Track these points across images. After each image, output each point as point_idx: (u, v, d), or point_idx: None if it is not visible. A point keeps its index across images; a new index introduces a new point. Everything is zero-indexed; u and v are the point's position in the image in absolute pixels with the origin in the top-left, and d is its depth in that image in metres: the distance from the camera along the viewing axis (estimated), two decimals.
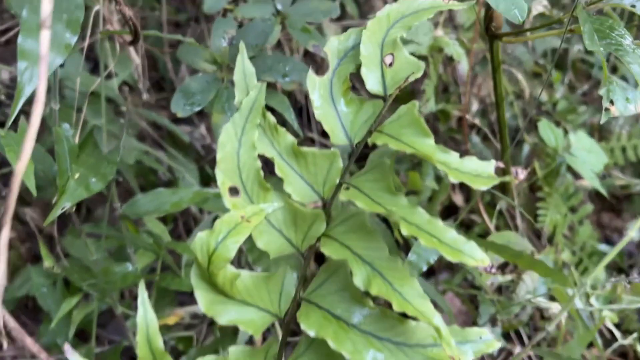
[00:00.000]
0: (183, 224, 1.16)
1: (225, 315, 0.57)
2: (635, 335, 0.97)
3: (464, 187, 1.24)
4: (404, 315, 0.55)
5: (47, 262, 0.74)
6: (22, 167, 0.39)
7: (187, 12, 1.39)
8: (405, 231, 0.52)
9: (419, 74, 0.59)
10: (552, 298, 0.98)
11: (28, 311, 1.10)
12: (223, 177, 0.57)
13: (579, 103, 1.39)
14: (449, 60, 1.24)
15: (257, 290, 0.59)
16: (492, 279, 1.04)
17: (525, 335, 1.13)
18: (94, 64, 1.28)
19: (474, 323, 1.11)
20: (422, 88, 1.11)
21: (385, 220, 0.98)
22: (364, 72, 0.60)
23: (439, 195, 1.19)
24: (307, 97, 1.23)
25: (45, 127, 1.07)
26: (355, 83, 0.98)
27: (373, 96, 0.62)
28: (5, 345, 0.65)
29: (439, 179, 1.16)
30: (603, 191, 1.15)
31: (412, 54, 1.11)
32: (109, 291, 0.84)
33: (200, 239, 0.54)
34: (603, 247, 1.24)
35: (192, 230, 1.12)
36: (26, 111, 0.58)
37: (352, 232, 0.59)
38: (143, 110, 1.15)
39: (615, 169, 1.35)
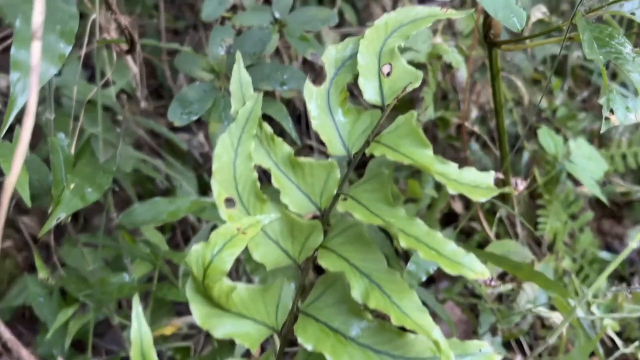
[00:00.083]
0: (181, 232, 1.16)
1: (221, 328, 0.56)
2: (637, 343, 0.96)
3: (463, 195, 1.23)
4: (403, 328, 0.54)
5: (42, 273, 0.74)
6: (12, 180, 0.38)
7: (186, 20, 1.39)
8: (403, 243, 0.52)
9: (417, 84, 0.58)
10: (553, 307, 0.97)
11: (25, 321, 1.10)
12: (219, 188, 0.57)
13: (579, 110, 1.39)
14: (448, 68, 1.23)
15: (253, 303, 0.58)
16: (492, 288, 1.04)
17: (526, 344, 1.12)
18: (91, 72, 1.27)
19: (474, 332, 1.10)
20: (421, 96, 1.11)
21: (383, 229, 0.97)
22: (361, 81, 0.59)
23: (439, 203, 1.18)
24: (305, 104, 1.22)
25: (42, 135, 1.07)
26: (354, 90, 0.98)
27: (371, 105, 0.61)
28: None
29: (438, 186, 1.15)
30: (603, 198, 1.14)
31: (411, 61, 1.11)
32: (105, 302, 0.83)
33: (196, 251, 0.53)
34: (604, 254, 1.23)
35: (190, 239, 1.11)
36: (23, 120, 0.57)
37: (350, 243, 0.58)
38: (141, 118, 1.15)
39: (616, 176, 1.34)
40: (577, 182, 1.22)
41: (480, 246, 1.20)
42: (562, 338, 0.93)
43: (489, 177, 0.54)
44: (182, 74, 1.25)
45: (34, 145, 1.18)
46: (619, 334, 1.09)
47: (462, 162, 1.25)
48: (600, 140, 1.35)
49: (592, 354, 0.99)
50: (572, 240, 1.24)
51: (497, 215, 1.15)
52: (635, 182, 1.36)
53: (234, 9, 1.05)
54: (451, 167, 0.54)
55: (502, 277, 1.10)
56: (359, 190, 0.59)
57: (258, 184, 0.58)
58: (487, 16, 0.81)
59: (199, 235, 0.95)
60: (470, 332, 1.14)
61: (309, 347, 0.54)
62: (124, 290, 0.82)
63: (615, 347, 1.06)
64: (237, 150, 0.57)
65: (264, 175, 0.65)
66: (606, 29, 0.64)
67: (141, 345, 0.55)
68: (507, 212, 1.16)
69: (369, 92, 0.59)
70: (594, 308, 1.06)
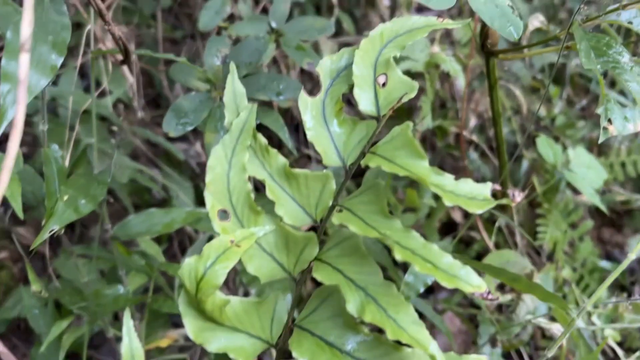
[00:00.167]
0: (178, 243, 1.15)
1: (215, 342, 0.56)
2: (638, 353, 0.95)
3: None
4: (399, 342, 0.53)
5: (35, 285, 0.73)
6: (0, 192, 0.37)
7: (184, 30, 1.39)
8: (399, 256, 0.51)
9: (413, 94, 0.58)
10: (553, 318, 0.96)
11: (20, 333, 1.09)
12: (212, 200, 0.56)
13: (578, 118, 1.38)
14: (447, 76, 1.23)
15: (247, 317, 0.57)
16: (492, 299, 1.02)
17: (526, 355, 1.11)
18: (89, 82, 1.27)
19: (474, 343, 1.09)
20: (418, 105, 1.10)
21: None
22: (356, 92, 0.58)
23: (437, 212, 1.17)
24: None
25: (38, 146, 1.06)
26: (352, 99, 0.97)
27: (367, 116, 0.61)
28: None
29: (437, 196, 1.14)
30: (603, 207, 1.13)
31: (409, 70, 1.11)
32: (100, 314, 0.82)
33: (188, 264, 0.52)
34: (604, 263, 1.22)
35: (187, 250, 1.10)
36: (10, 132, 0.57)
37: (346, 255, 0.57)
38: (138, 127, 1.15)
39: (615, 185, 1.33)
40: (576, 191, 1.21)
41: (479, 255, 1.20)
42: (562, 349, 0.92)
43: (486, 188, 0.53)
44: (179, 84, 1.25)
45: (29, 156, 1.18)
46: (620, 344, 1.08)
47: (461, 171, 1.24)
48: (599, 148, 1.35)
49: None
50: (572, 249, 1.23)
51: (496, 224, 1.14)
52: (635, 191, 1.36)
53: (231, 18, 1.05)
54: (447, 179, 0.53)
55: (502, 287, 1.09)
56: (354, 202, 0.58)
57: (252, 195, 0.58)
58: (484, 25, 0.81)
59: (195, 247, 0.94)
60: (470, 343, 1.13)
61: None
62: (118, 302, 0.81)
63: (617, 358, 1.05)
64: (231, 161, 0.57)
65: (262, 186, 0.64)
66: (603, 38, 0.64)
67: None
68: (507, 221, 1.15)
69: (365, 102, 0.59)
70: (594, 318, 1.06)
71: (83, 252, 0.93)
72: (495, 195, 0.55)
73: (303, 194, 0.59)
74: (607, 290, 1.20)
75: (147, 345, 0.90)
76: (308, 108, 0.59)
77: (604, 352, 1.08)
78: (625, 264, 0.57)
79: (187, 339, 0.97)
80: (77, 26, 1.16)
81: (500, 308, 1.09)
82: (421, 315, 0.99)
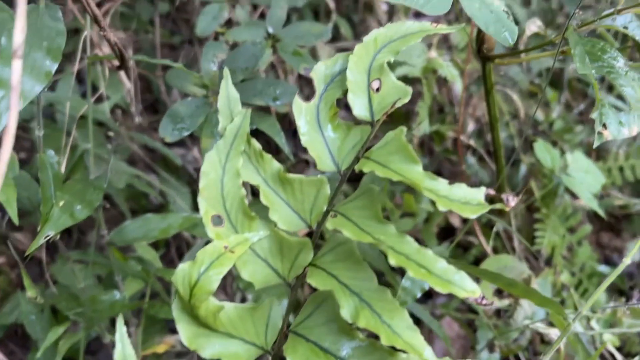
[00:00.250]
0: (176, 248, 1.15)
1: (209, 348, 0.55)
2: (637, 358, 0.95)
3: None
4: (394, 348, 0.53)
5: (30, 291, 0.73)
6: None
7: (182, 35, 1.39)
8: (393, 261, 0.51)
9: (406, 100, 0.57)
10: (551, 323, 0.96)
11: (17, 338, 1.08)
12: (206, 205, 0.56)
13: (576, 122, 1.38)
14: (445, 81, 1.23)
15: (242, 322, 0.57)
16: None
17: None
18: (86, 87, 1.27)
19: (472, 348, 1.09)
20: (416, 110, 1.10)
21: None
22: (350, 97, 0.58)
23: (435, 217, 1.17)
24: None
25: (35, 151, 1.06)
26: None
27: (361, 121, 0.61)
28: None
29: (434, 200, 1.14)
30: (601, 212, 1.13)
31: (406, 75, 1.11)
32: (96, 320, 0.82)
33: (182, 270, 0.52)
34: (603, 268, 1.22)
35: (184, 255, 1.10)
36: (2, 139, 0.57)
37: (340, 261, 0.57)
38: (135, 133, 1.15)
39: (614, 189, 1.33)
40: (574, 195, 1.21)
41: (477, 260, 1.19)
42: (560, 354, 0.92)
43: (480, 193, 0.53)
44: (177, 89, 1.25)
45: (28, 161, 1.18)
46: (619, 349, 1.07)
47: (459, 176, 1.24)
48: (597, 153, 1.35)
49: None
50: (570, 254, 1.23)
51: (494, 229, 1.14)
52: (633, 195, 1.35)
53: (229, 24, 1.05)
54: (441, 184, 0.53)
55: (500, 292, 1.08)
56: (349, 207, 0.58)
57: (246, 201, 0.58)
58: (480, 30, 0.81)
59: (191, 253, 0.94)
60: (469, 348, 1.13)
61: None
62: (115, 308, 0.81)
63: None
64: (225, 167, 0.57)
65: (258, 192, 0.64)
66: (598, 43, 0.64)
67: None
68: (505, 226, 1.15)
69: (358, 107, 0.59)
70: (593, 323, 1.05)
71: (79, 258, 0.93)
72: (492, 199, 0.55)
73: (297, 199, 0.59)
74: (606, 295, 1.20)
75: (144, 351, 0.90)
76: (302, 113, 0.59)
77: (603, 358, 1.08)
78: (620, 268, 0.57)
79: (184, 344, 0.96)
80: (75, 32, 1.16)
81: (498, 313, 1.08)
82: (419, 321, 0.99)
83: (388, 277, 1.03)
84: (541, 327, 0.93)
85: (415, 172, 0.54)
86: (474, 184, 0.55)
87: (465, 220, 1.23)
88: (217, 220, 0.56)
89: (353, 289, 0.54)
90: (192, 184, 1.18)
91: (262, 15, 1.21)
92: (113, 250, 0.85)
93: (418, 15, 1.46)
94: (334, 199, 0.59)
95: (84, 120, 0.96)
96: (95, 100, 1.11)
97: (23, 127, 1.15)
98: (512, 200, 0.52)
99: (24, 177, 0.79)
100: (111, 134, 0.81)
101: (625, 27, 0.68)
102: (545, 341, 1.13)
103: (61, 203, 0.68)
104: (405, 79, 1.12)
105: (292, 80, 1.29)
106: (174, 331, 0.98)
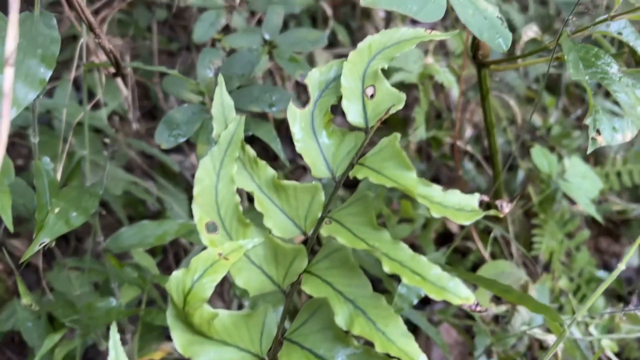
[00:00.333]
0: (173, 255, 1.15)
1: (204, 356, 0.55)
2: None
3: None
4: (389, 355, 0.53)
5: (25, 299, 0.72)
6: None
7: (180, 42, 1.39)
8: (387, 268, 0.51)
9: (400, 106, 0.58)
10: (549, 329, 0.95)
11: (14, 345, 1.08)
12: (200, 212, 0.56)
13: (573, 128, 1.39)
14: (441, 87, 1.23)
15: (236, 330, 0.57)
16: (488, 309, 1.02)
17: None
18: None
19: (470, 354, 1.09)
20: (412, 116, 1.10)
21: None
22: (345, 104, 0.59)
23: (433, 223, 1.17)
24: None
25: (32, 158, 1.06)
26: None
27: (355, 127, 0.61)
28: None
29: None
30: (598, 217, 1.13)
31: (403, 81, 1.11)
32: (92, 327, 0.82)
33: (176, 277, 0.52)
34: (601, 273, 1.22)
35: (182, 262, 1.10)
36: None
37: (335, 267, 0.57)
38: (132, 139, 1.15)
39: (612, 194, 1.33)
40: (572, 201, 1.21)
41: (475, 266, 1.19)
42: (557, 359, 0.91)
43: (474, 199, 0.53)
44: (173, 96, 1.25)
45: (26, 168, 1.18)
46: (618, 355, 1.07)
47: (456, 182, 1.24)
48: (595, 158, 1.35)
49: None
50: (568, 259, 1.23)
51: (492, 235, 1.14)
52: (631, 200, 1.35)
53: (226, 30, 1.06)
54: (435, 190, 0.53)
55: (498, 298, 1.08)
56: (343, 214, 0.58)
57: (240, 207, 0.57)
58: (475, 37, 0.81)
59: (188, 260, 0.94)
60: (467, 354, 1.12)
61: None
62: (111, 315, 0.81)
63: None
64: (219, 173, 0.57)
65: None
66: (592, 49, 0.64)
67: None
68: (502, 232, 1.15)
69: (353, 114, 0.59)
70: (591, 328, 1.05)
71: (76, 265, 0.93)
72: (488, 205, 0.55)
73: (292, 206, 0.59)
74: (605, 300, 1.20)
75: (140, 359, 0.89)
76: (297, 120, 0.59)
77: None
78: (615, 274, 0.57)
79: None
80: (73, 39, 1.17)
81: (496, 319, 1.08)
82: (416, 327, 0.98)
83: (386, 283, 1.03)
84: (539, 333, 0.93)
85: (409, 178, 0.54)
86: (471, 190, 0.55)
87: (463, 226, 1.23)
88: (212, 227, 0.56)
89: (348, 296, 0.54)
90: (189, 190, 1.18)
91: (260, 22, 1.21)
92: (109, 257, 0.84)
93: (415, 22, 1.47)
94: (329, 205, 0.59)
95: (81, 127, 0.97)
96: (92, 107, 1.11)
97: (20, 134, 1.15)
98: (506, 207, 0.52)
99: (20, 184, 0.79)
100: (107, 140, 0.81)
101: (620, 33, 0.68)
102: (543, 347, 1.12)
103: (56, 210, 0.68)
104: (401, 85, 1.12)
105: (290, 86, 1.29)
106: (170, 338, 0.97)
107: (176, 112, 0.80)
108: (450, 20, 1.34)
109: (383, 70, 0.60)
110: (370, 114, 0.58)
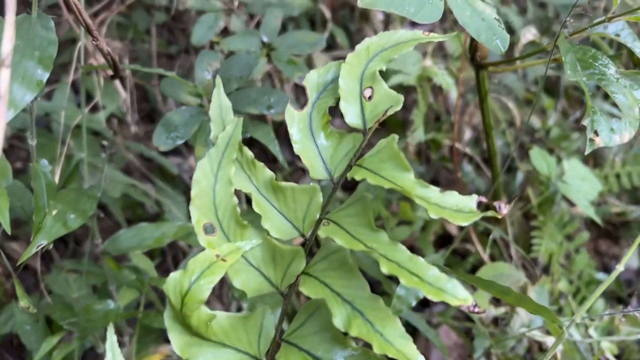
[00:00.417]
0: (172, 257, 1.15)
1: (201, 358, 0.55)
2: None
3: None
4: (387, 356, 0.53)
5: (22, 301, 0.72)
6: None
7: (178, 45, 1.40)
8: (385, 269, 0.50)
9: (398, 108, 0.58)
10: (548, 331, 0.95)
11: (12, 348, 1.08)
12: (198, 214, 0.56)
13: (572, 130, 1.39)
14: (440, 89, 1.23)
15: (234, 331, 0.57)
16: (487, 311, 1.02)
17: None
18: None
19: (470, 356, 1.09)
20: (411, 118, 1.10)
21: None
22: (343, 105, 0.59)
23: (432, 225, 1.17)
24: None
25: (30, 161, 1.06)
26: None
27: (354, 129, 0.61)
28: None
29: None
30: (597, 219, 1.13)
31: (401, 84, 1.11)
32: (90, 330, 0.82)
33: (173, 279, 0.52)
34: (601, 275, 1.22)
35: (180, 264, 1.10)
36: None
37: (333, 269, 0.57)
38: (131, 142, 1.15)
39: (611, 196, 1.33)
40: (572, 203, 1.21)
41: (474, 268, 1.19)
42: None
43: (472, 200, 0.53)
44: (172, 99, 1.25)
45: (24, 170, 1.18)
46: (617, 357, 1.07)
47: (455, 184, 1.24)
48: (594, 160, 1.35)
49: None
50: (568, 262, 1.23)
51: (491, 237, 1.14)
52: (630, 202, 1.35)
53: (225, 33, 1.06)
54: (432, 191, 0.53)
55: (497, 300, 1.08)
56: (341, 215, 0.58)
57: (238, 209, 0.57)
58: (473, 39, 0.81)
59: (186, 261, 0.93)
60: (466, 357, 1.12)
61: None
62: (109, 317, 0.81)
63: None
64: (217, 175, 0.57)
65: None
66: (589, 50, 0.64)
67: None
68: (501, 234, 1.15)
69: (351, 115, 0.59)
70: (591, 330, 1.05)
71: (74, 268, 0.92)
72: (487, 207, 0.55)
73: (290, 208, 0.59)
74: (604, 302, 1.19)
75: None
76: (295, 121, 0.59)
77: None
78: (613, 276, 0.57)
79: None
80: (72, 41, 1.17)
81: (495, 321, 1.08)
82: (415, 330, 0.98)
83: (384, 286, 1.03)
84: (538, 335, 0.93)
85: (406, 179, 0.54)
86: (470, 192, 0.55)
87: (462, 228, 1.23)
88: (209, 229, 0.56)
89: (345, 297, 0.54)
90: (187, 193, 1.17)
91: (259, 25, 1.21)
92: (107, 260, 0.84)
93: (414, 24, 1.47)
94: (327, 206, 0.59)
95: (79, 129, 0.97)
96: (91, 109, 1.11)
97: (18, 136, 1.15)
98: (504, 208, 0.52)
99: (18, 187, 0.79)
100: (106, 143, 0.81)
101: (617, 35, 0.68)
102: (543, 349, 1.12)
103: (54, 212, 0.68)
104: (400, 87, 1.12)
105: (288, 89, 1.29)
106: (168, 341, 0.97)
107: (174, 114, 0.80)
108: (448, 22, 1.34)
109: (381, 72, 0.60)
110: (368, 116, 0.58)
